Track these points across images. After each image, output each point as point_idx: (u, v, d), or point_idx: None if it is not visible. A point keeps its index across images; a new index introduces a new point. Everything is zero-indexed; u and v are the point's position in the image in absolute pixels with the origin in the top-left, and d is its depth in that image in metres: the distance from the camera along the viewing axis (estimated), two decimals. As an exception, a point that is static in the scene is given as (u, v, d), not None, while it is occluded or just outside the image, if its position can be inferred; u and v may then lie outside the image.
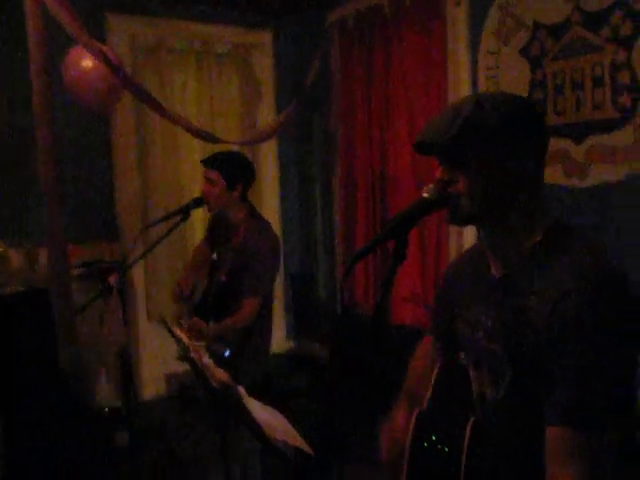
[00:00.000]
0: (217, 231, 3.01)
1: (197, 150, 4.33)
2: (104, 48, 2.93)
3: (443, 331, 1.54)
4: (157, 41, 4.14)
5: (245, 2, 4.22)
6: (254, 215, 2.86)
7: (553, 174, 3.03)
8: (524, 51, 3.17)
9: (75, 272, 3.51)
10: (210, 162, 2.77)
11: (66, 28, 2.40)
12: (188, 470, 3.31)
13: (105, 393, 3.74)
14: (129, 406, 2.79)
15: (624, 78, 2.79)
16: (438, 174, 1.25)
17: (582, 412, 1.06)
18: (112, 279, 2.66)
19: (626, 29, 2.76)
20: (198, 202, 2.80)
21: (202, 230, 4.35)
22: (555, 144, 3.03)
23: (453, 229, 3.57)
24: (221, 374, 1.43)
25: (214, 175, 2.72)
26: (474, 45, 3.38)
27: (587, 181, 2.97)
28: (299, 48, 4.48)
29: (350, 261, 1.17)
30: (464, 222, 1.27)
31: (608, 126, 2.86)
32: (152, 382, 4.30)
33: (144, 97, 2.94)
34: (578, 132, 2.97)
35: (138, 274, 4.27)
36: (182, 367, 4.19)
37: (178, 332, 1.85)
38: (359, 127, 4.16)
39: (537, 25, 3.10)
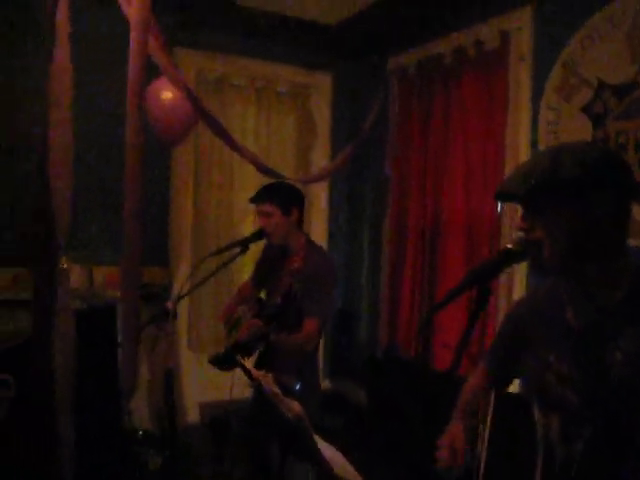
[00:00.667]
0: (268, 263, 3.06)
1: (252, 186, 4.43)
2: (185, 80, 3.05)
3: (501, 367, 1.57)
4: (221, 76, 4.28)
5: (307, 43, 4.34)
6: (312, 242, 2.94)
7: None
8: (586, 109, 3.18)
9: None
10: (261, 196, 2.83)
11: (156, 58, 2.52)
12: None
13: (142, 415, 3.77)
14: (167, 431, 2.81)
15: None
16: (519, 221, 1.29)
17: None
18: (170, 304, 2.73)
19: None
20: (259, 235, 2.87)
21: (249, 268, 4.44)
22: None
23: (502, 278, 3.55)
24: (297, 406, 1.45)
25: (268, 207, 2.78)
26: (536, 100, 3.40)
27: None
28: (357, 92, 4.57)
29: (430, 311, 1.26)
30: (543, 272, 1.29)
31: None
32: (186, 410, 4.32)
33: (218, 129, 3.05)
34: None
35: (182, 303, 4.34)
36: (216, 397, 4.23)
37: (246, 363, 1.86)
38: (413, 174, 4.20)
39: (601, 84, 3.11)
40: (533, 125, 3.43)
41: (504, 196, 1.35)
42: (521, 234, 1.28)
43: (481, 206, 3.74)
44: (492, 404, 1.46)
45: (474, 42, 3.69)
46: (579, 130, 3.20)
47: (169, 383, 2.64)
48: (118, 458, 3.04)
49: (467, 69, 3.79)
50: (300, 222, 2.91)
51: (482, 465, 1.34)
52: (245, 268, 4.46)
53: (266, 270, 3.06)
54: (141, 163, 2.00)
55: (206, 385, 4.21)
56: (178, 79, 2.77)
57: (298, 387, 2.17)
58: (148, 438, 3.67)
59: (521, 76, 3.45)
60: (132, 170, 1.91)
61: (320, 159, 4.64)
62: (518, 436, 1.41)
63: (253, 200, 2.89)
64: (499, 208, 3.55)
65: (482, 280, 1.19)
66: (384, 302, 4.42)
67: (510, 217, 3.52)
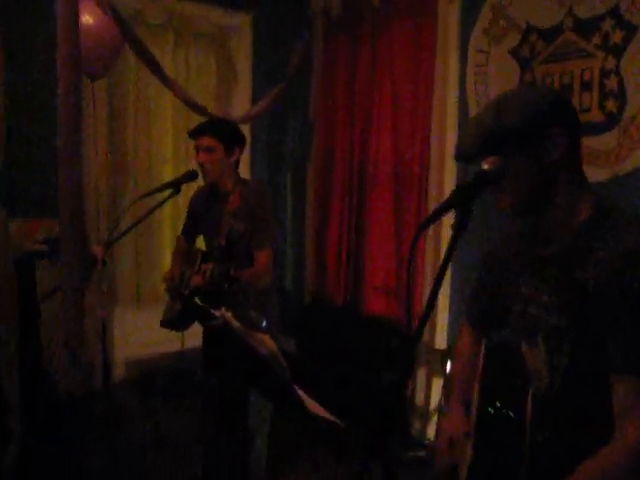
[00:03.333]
0: (201, 210, 2.93)
1: (170, 133, 4.24)
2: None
3: (483, 315, 1.61)
4: (135, 13, 3.99)
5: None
6: (242, 179, 2.86)
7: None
8: (514, 52, 3.24)
9: (39, 248, 3.33)
10: (204, 129, 2.71)
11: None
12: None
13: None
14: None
15: (612, 84, 2.90)
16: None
17: None
18: (98, 250, 2.55)
19: (616, 37, 2.86)
20: (191, 175, 2.74)
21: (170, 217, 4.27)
22: None
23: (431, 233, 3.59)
24: (269, 340, 1.39)
25: (211, 142, 2.67)
26: (464, 43, 3.42)
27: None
28: (278, 33, 4.40)
29: (418, 230, 1.18)
30: (509, 210, 1.32)
31: (594, 129, 2.97)
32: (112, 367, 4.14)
33: (146, 57, 2.83)
34: None
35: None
36: (144, 353, 4.08)
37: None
38: (339, 120, 4.14)
39: (529, 27, 3.17)
40: (461, 68, 3.45)
41: (462, 158, 1.36)
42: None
43: (410, 153, 3.75)
44: (482, 362, 1.52)
45: (402, -18, 3.65)
46: (507, 73, 3.26)
47: (104, 337, 2.47)
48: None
49: (395, 11, 3.75)
50: (237, 164, 2.81)
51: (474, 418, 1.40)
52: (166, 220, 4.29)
53: (201, 218, 2.94)
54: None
55: (129, 341, 4.06)
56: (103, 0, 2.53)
57: (264, 324, 2.11)
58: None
59: (450, 18, 3.46)
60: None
61: (241, 103, 4.48)
62: (507, 372, 1.47)
63: (195, 133, 2.74)
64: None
65: (463, 199, 1.18)
66: (310, 250, 4.40)
67: (438, 166, 3.57)
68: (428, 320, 1.21)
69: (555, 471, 1.28)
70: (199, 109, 3.35)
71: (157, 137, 4.22)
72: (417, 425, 3.66)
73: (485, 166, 1.24)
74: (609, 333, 1.20)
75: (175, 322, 2.87)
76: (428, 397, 3.60)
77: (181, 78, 4.24)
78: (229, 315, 1.53)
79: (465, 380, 1.59)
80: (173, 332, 2.93)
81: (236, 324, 1.46)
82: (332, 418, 1.38)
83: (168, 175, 4.18)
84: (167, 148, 4.26)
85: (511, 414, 1.34)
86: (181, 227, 3.08)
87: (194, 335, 2.94)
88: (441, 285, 1.18)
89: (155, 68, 2.96)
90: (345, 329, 3.86)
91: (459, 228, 1.16)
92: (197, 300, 2.01)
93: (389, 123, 3.83)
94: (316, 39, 4.23)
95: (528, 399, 1.32)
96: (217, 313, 1.55)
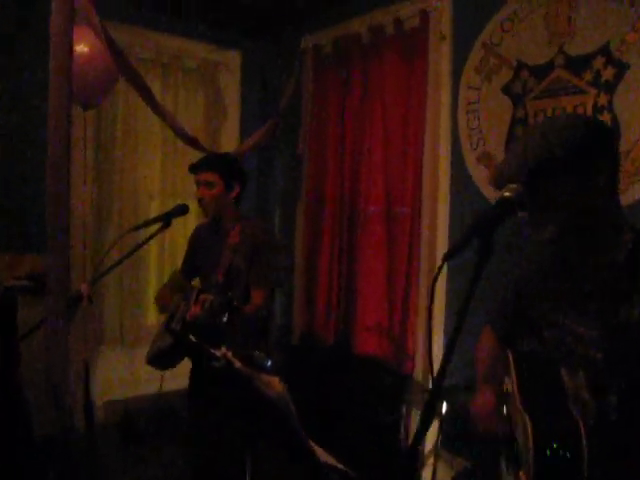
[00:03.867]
0: (202, 246, 2.87)
1: (157, 164, 4.17)
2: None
3: (510, 328, 1.61)
4: (125, 48, 3.95)
5: (216, 18, 4.14)
6: (246, 215, 2.83)
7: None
8: (506, 88, 3.25)
9: (22, 283, 3.21)
10: (205, 164, 2.70)
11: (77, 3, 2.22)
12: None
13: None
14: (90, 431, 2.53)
15: (605, 120, 2.89)
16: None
17: None
18: (83, 287, 2.45)
19: (607, 75, 2.88)
20: (182, 209, 2.67)
21: (156, 255, 4.16)
22: None
23: (424, 257, 3.56)
24: (278, 383, 1.30)
25: (211, 177, 2.66)
26: (456, 80, 3.43)
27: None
28: (267, 70, 4.42)
29: (442, 260, 1.16)
30: (556, 239, 1.33)
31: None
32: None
33: (141, 87, 2.78)
34: None
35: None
36: (125, 394, 3.93)
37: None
38: (330, 154, 4.10)
39: (520, 65, 3.19)
40: (453, 105, 3.46)
41: (502, 182, 1.32)
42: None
43: (401, 190, 3.71)
44: (513, 366, 1.51)
45: (393, 21, 3.66)
46: (499, 109, 3.27)
47: (87, 377, 2.35)
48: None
49: (386, 48, 3.75)
50: (238, 200, 2.77)
51: (528, 425, 1.35)
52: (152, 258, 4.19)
53: (200, 253, 2.88)
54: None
55: (109, 382, 3.92)
56: (99, 29, 2.49)
57: (269, 363, 2.01)
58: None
59: (441, 56, 3.46)
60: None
61: (229, 139, 4.46)
62: (549, 393, 1.44)
63: (195, 167, 2.73)
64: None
65: (483, 231, 1.15)
66: (299, 288, 4.31)
67: (430, 204, 3.53)
68: (449, 360, 1.17)
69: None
70: (191, 141, 3.30)
71: (144, 171, 4.15)
72: (411, 469, 3.53)
73: (507, 193, 1.21)
74: None
75: (163, 358, 2.75)
76: (423, 439, 3.47)
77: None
78: (230, 354, 1.43)
79: (490, 365, 1.63)
80: (155, 373, 2.82)
81: (239, 364, 1.37)
82: (342, 467, 1.29)
83: (155, 211, 4.10)
84: (155, 183, 4.19)
85: (568, 455, 1.30)
86: (167, 266, 3.01)
87: (174, 377, 2.83)
88: (464, 320, 1.12)
89: (149, 98, 2.91)
90: (336, 369, 3.75)
91: (482, 258, 1.14)
92: (191, 337, 1.90)
93: (380, 160, 3.79)
94: (306, 75, 4.22)
95: (582, 433, 1.28)
96: (218, 352, 1.45)
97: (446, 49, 3.45)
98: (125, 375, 3.94)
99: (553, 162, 1.26)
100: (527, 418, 1.34)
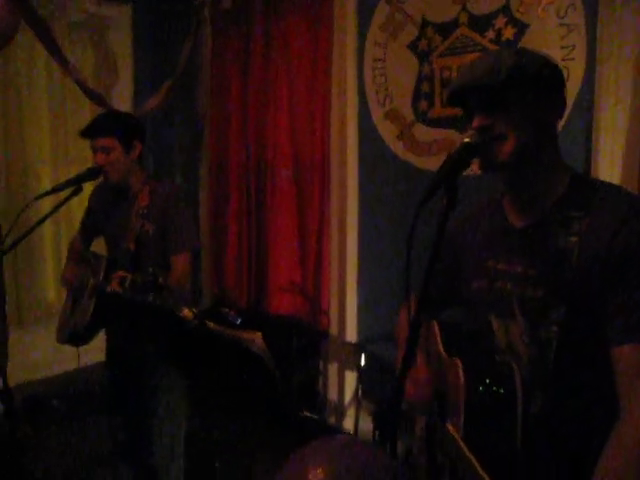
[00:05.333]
0: (103, 209, 2.68)
1: (46, 128, 3.87)
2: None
3: (438, 291, 1.50)
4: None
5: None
6: (153, 177, 2.64)
7: (438, 162, 3.21)
8: (412, 46, 3.31)
9: None
10: (99, 129, 2.46)
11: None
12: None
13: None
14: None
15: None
16: (475, 124, 1.27)
17: None
18: (-8, 256, 2.26)
19: (508, 34, 3.00)
20: (94, 172, 2.48)
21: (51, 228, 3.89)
22: (441, 134, 3.24)
23: (334, 214, 3.59)
24: (259, 338, 1.27)
25: (108, 142, 2.43)
26: (362, 37, 3.44)
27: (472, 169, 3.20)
28: (163, 27, 4.18)
29: (415, 211, 1.11)
30: (499, 168, 1.29)
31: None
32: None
33: (45, 36, 2.52)
34: (463, 124, 3.16)
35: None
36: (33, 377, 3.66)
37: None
38: (233, 114, 3.99)
39: (425, 22, 3.26)
40: (359, 62, 3.47)
41: (457, 96, 1.32)
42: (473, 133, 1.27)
43: (309, 148, 3.69)
44: (438, 335, 1.49)
45: (297, -26, 3.60)
46: (405, 66, 3.32)
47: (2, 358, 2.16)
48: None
49: (290, 2, 3.68)
50: (141, 157, 2.58)
51: (459, 368, 1.34)
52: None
53: (103, 218, 2.67)
54: None
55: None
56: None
57: (239, 321, 1.94)
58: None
59: (346, 11, 3.45)
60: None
61: (122, 101, 4.19)
62: (473, 346, 1.45)
63: (87, 133, 2.47)
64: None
65: (448, 176, 1.16)
66: (207, 250, 4.20)
67: (339, 160, 3.55)
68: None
69: (552, 439, 1.30)
70: (98, 98, 3.06)
71: (32, 137, 3.82)
72: (332, 420, 3.62)
73: (467, 139, 1.23)
74: (605, 300, 1.19)
75: (81, 335, 2.59)
76: (342, 391, 3.57)
77: (56, 72, 3.88)
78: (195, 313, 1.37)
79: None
80: (65, 351, 2.67)
81: (213, 325, 1.31)
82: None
83: (47, 179, 3.81)
84: (44, 149, 3.87)
85: (501, 390, 1.32)
86: (64, 243, 2.78)
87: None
88: (433, 275, 1.14)
89: (55, 51, 2.65)
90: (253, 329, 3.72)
91: (448, 205, 1.14)
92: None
93: (286, 118, 3.75)
94: (204, 32, 4.04)
95: (515, 375, 1.29)
96: (184, 313, 1.38)
97: (351, 5, 3.45)
98: (32, 356, 3.68)
99: (527, 76, 1.24)
100: (458, 362, 1.33)
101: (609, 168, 2.65)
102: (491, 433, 1.32)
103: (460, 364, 1.33)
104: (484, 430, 1.33)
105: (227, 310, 2.02)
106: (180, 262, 2.45)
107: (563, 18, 2.89)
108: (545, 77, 1.27)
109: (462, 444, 1.25)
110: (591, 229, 1.22)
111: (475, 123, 1.27)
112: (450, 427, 1.32)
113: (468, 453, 1.22)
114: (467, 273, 1.48)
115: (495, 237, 1.41)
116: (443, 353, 1.43)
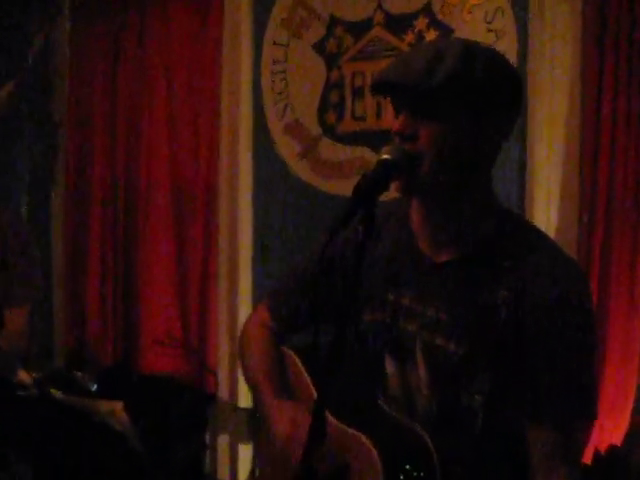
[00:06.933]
0: None
1: None
2: None
3: (294, 314, 1.38)
4: None
5: None
6: None
7: (349, 186, 2.84)
8: (318, 46, 2.92)
9: None
10: None
11: None
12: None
13: None
14: None
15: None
16: (397, 125, 1.12)
17: (570, 413, 1.11)
18: None
19: (430, 37, 2.73)
20: None
21: None
22: (353, 152, 2.88)
23: (224, 249, 3.10)
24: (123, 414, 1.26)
25: None
26: (259, 35, 3.03)
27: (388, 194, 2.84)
28: (9, 15, 3.48)
29: (327, 237, 1.00)
30: (420, 191, 1.15)
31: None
32: None
33: None
34: (378, 141, 2.77)
35: None
36: None
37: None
38: (97, 123, 3.41)
39: (334, 20, 2.89)
40: (255, 65, 3.06)
41: (386, 86, 1.14)
42: (397, 143, 1.12)
43: (192, 170, 3.22)
44: (302, 367, 1.33)
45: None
46: (311, 71, 2.96)
47: None
48: None
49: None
50: None
51: (371, 448, 1.14)
52: None
53: None
54: None
55: None
56: None
57: (95, 387, 1.81)
58: None
59: (240, 5, 3.03)
60: None
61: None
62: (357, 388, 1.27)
63: None
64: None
65: (366, 200, 1.02)
66: (60, 298, 3.52)
67: (229, 188, 3.10)
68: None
69: None
70: None
71: None
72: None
73: (385, 155, 1.07)
74: (528, 372, 1.12)
75: None
76: (234, 470, 3.04)
77: None
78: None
79: (273, 368, 1.38)
80: None
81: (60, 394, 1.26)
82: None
83: None
84: None
85: (422, 474, 1.14)
86: None
87: None
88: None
89: None
90: (117, 394, 3.06)
91: (365, 232, 1.01)
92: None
93: (164, 131, 3.24)
94: (61, 24, 3.46)
95: (431, 451, 1.12)
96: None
97: (246, -2, 3.03)
98: None
99: (471, 84, 1.08)
100: (365, 438, 1.15)
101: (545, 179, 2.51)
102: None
103: (367, 441, 1.13)
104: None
105: (81, 374, 1.87)
106: (17, 317, 2.10)
107: (490, 23, 2.66)
108: (495, 88, 1.10)
109: None
110: (522, 287, 1.12)
111: (396, 125, 1.11)
112: None
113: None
114: (358, 298, 1.25)
115: (401, 264, 1.24)
116: (333, 420, 1.19)
